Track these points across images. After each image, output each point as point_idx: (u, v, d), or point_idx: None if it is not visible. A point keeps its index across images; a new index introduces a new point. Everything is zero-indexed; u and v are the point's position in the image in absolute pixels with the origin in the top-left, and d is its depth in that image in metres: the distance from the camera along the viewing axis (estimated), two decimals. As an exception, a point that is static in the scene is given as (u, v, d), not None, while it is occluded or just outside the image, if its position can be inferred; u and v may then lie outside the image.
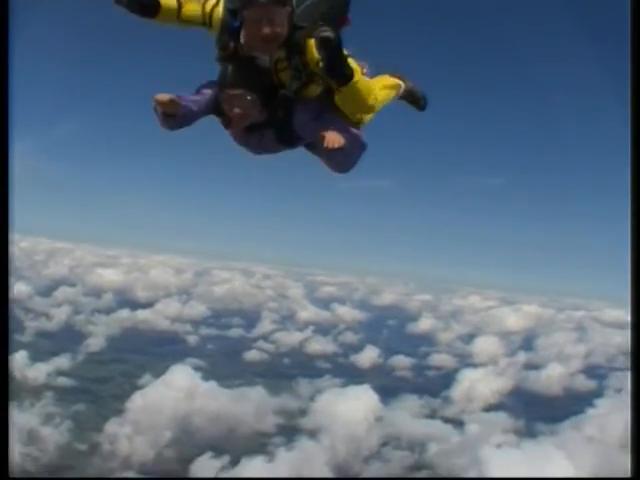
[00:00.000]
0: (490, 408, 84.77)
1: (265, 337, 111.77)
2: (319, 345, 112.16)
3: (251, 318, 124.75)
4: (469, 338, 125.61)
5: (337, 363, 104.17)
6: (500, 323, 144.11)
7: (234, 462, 59.72)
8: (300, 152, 6.94)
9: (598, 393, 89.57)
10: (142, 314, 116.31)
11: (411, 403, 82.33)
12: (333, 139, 6.05)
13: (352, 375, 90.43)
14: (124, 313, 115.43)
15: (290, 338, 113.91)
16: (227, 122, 6.54)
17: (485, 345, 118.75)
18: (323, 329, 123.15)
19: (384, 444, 69.35)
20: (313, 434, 68.08)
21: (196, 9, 6.26)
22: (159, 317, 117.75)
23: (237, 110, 6.17)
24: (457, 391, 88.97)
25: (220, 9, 6.23)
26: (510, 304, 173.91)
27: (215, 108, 6.47)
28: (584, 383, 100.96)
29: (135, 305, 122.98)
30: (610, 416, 74.89)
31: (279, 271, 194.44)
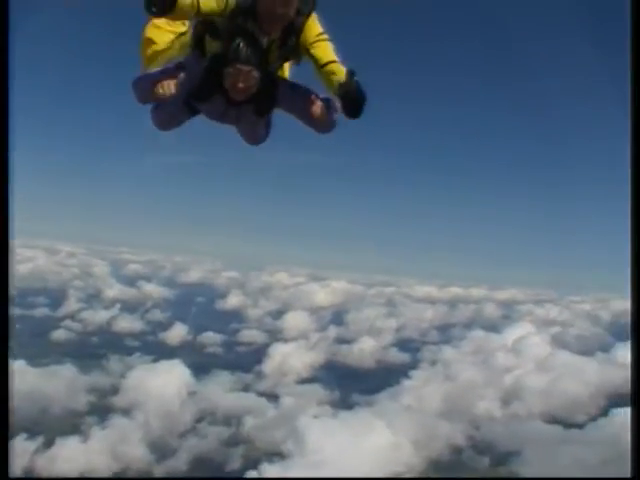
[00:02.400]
0: (304, 381, 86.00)
1: (72, 316, 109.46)
2: (127, 323, 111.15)
3: (57, 297, 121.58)
4: (278, 314, 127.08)
5: (146, 341, 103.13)
6: (309, 299, 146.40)
7: (48, 443, 58.53)
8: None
9: (412, 365, 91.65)
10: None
11: (224, 379, 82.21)
12: (320, 108, 6.88)
13: (162, 353, 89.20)
14: None
15: (97, 316, 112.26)
16: (205, 95, 6.96)
17: (295, 320, 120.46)
18: (130, 307, 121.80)
19: (199, 419, 69.33)
20: (126, 411, 67.60)
21: (217, 4, 6.45)
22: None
23: (241, 85, 6.56)
24: (269, 365, 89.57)
25: None
26: (319, 280, 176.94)
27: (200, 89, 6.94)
28: (397, 356, 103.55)
29: None
30: (426, 386, 77.74)
31: (83, 249, 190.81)
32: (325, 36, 6.73)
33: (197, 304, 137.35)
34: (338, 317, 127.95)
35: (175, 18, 6.52)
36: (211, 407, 71.68)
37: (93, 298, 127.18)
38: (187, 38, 7.11)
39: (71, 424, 63.83)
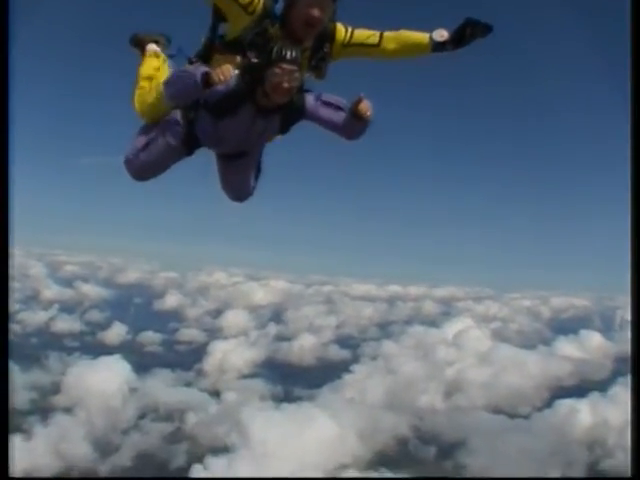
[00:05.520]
0: (245, 377, 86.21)
1: (10, 318, 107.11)
2: (65, 324, 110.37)
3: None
4: (217, 313, 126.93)
5: (85, 341, 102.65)
6: (248, 298, 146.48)
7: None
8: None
9: (353, 360, 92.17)
10: None
11: (164, 377, 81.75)
12: (367, 106, 6.53)
13: (101, 352, 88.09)
14: None
15: (35, 317, 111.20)
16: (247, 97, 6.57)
17: (234, 319, 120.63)
18: (68, 307, 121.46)
19: (141, 416, 68.90)
20: (68, 409, 67.22)
21: None
22: None
23: (286, 85, 6.30)
24: (210, 363, 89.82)
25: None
26: (257, 280, 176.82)
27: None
28: (337, 352, 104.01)
29: None
30: (368, 380, 78.24)
31: (19, 251, 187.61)
32: (351, 27, 6.67)
33: (135, 304, 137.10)
34: (277, 315, 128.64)
35: None
36: (153, 403, 71.38)
37: (31, 299, 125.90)
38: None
39: (14, 423, 62.90)
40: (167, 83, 6.59)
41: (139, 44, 7.71)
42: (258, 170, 7.45)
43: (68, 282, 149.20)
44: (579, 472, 60.59)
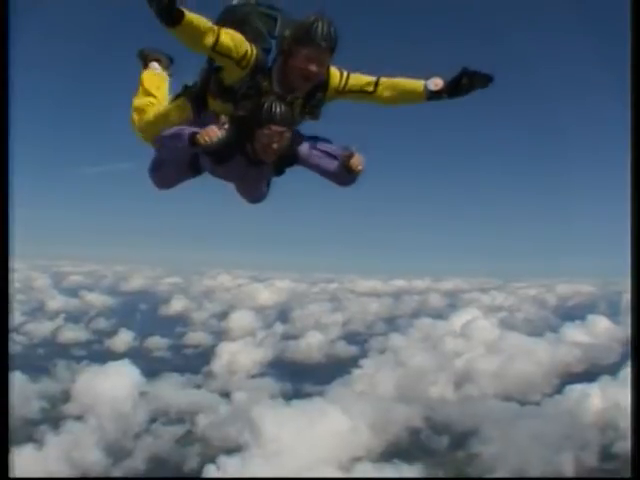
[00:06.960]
0: (254, 376, 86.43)
1: (16, 329, 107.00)
2: (72, 333, 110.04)
3: None
4: (223, 315, 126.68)
5: (92, 349, 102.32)
6: (253, 299, 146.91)
7: (3, 452, 57.01)
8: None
9: (362, 355, 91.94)
10: None
11: (174, 380, 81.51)
12: (359, 161, 6.62)
13: (109, 359, 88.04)
14: None
15: (42, 328, 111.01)
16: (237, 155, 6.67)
17: (240, 320, 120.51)
18: (74, 317, 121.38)
19: (153, 420, 68.86)
20: (79, 416, 67.08)
21: (237, 45, 6.13)
22: None
23: (275, 146, 6.38)
24: (218, 365, 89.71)
25: (255, 51, 6.27)
26: (261, 281, 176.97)
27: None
28: (345, 349, 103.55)
29: None
30: (378, 373, 78.07)
31: (24, 264, 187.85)
32: (346, 71, 6.66)
33: (141, 311, 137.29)
34: (283, 315, 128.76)
35: (189, 42, 5.91)
36: (164, 407, 71.38)
37: (37, 311, 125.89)
38: (182, 101, 6.93)
39: (25, 432, 62.73)
40: (158, 144, 6.78)
41: (143, 59, 7.95)
42: (269, 179, 7.44)
43: (73, 292, 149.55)
44: (592, 456, 60.36)
